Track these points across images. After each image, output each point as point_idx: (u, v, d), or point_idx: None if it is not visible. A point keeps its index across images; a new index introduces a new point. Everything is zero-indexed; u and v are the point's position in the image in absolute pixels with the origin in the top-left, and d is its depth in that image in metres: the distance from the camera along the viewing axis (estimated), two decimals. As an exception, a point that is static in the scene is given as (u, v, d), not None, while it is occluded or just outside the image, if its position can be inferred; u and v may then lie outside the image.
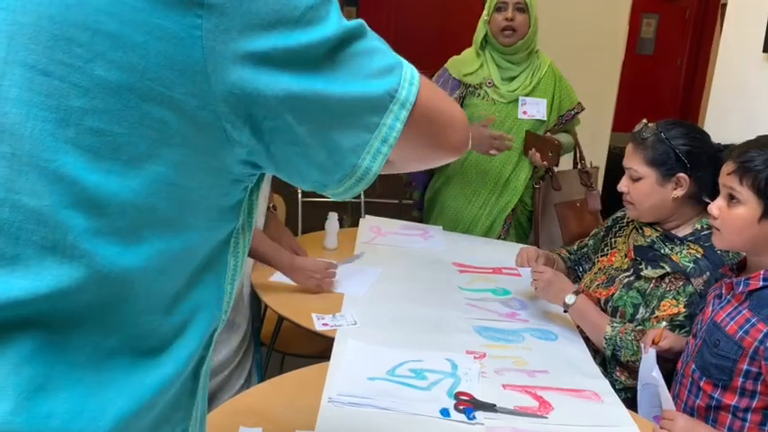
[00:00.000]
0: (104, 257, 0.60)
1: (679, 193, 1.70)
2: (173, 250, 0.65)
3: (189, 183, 0.64)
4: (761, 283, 1.36)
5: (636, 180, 1.74)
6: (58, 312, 0.60)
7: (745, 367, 1.33)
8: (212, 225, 0.69)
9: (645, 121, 1.77)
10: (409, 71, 0.70)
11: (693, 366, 1.44)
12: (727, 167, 1.42)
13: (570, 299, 1.73)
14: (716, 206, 1.44)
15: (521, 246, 2.09)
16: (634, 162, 1.73)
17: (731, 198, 1.40)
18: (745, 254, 1.47)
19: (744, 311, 1.36)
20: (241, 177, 0.69)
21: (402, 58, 0.71)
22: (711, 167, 1.67)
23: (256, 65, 0.62)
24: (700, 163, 1.69)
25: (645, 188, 1.73)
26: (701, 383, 1.41)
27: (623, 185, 1.77)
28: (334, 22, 0.65)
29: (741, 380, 1.34)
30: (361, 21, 0.68)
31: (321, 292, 1.89)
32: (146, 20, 0.59)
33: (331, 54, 0.65)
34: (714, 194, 1.71)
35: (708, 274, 1.61)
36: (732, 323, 1.37)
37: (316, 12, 0.64)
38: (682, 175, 1.69)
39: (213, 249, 0.70)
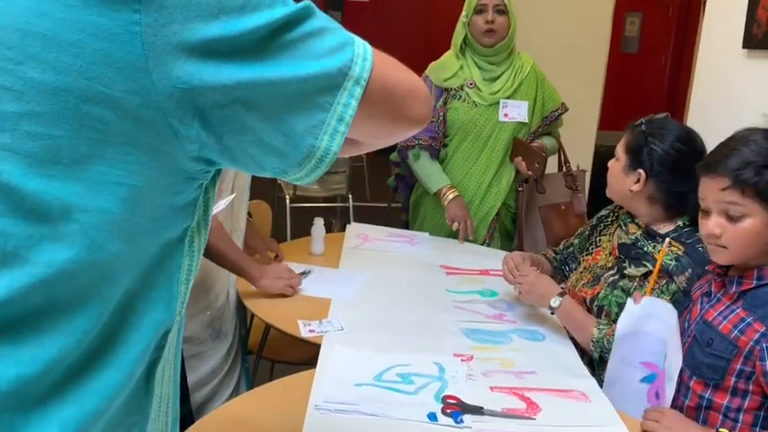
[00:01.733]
0: (49, 264, 0.59)
1: (635, 187, 1.71)
2: (122, 251, 0.63)
3: (137, 182, 0.62)
4: (755, 283, 1.34)
5: (615, 160, 1.79)
6: (5, 322, 0.58)
7: (738, 367, 1.32)
8: (164, 224, 0.67)
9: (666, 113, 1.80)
10: (362, 47, 0.69)
11: (682, 366, 1.43)
12: (719, 183, 1.33)
13: (555, 302, 1.73)
14: (716, 225, 1.35)
15: (506, 253, 2.07)
16: (619, 143, 1.78)
17: (731, 213, 1.33)
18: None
19: (738, 311, 1.34)
20: (194, 175, 0.68)
21: (354, 35, 0.70)
22: (683, 181, 1.62)
23: (201, 57, 0.60)
24: (666, 171, 1.67)
25: (615, 170, 1.78)
26: (691, 383, 1.40)
27: (610, 162, 1.82)
28: (278, 7, 0.64)
29: (734, 379, 1.33)
30: (308, 2, 0.67)
31: (291, 294, 1.89)
32: (79, 17, 0.57)
33: (277, 38, 0.63)
34: (682, 207, 1.68)
35: (690, 271, 1.61)
36: (726, 322, 1.35)
37: None
38: (641, 171, 1.70)
39: (165, 248, 0.68)
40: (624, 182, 1.74)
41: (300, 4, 0.66)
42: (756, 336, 1.29)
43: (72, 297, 0.61)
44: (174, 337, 0.74)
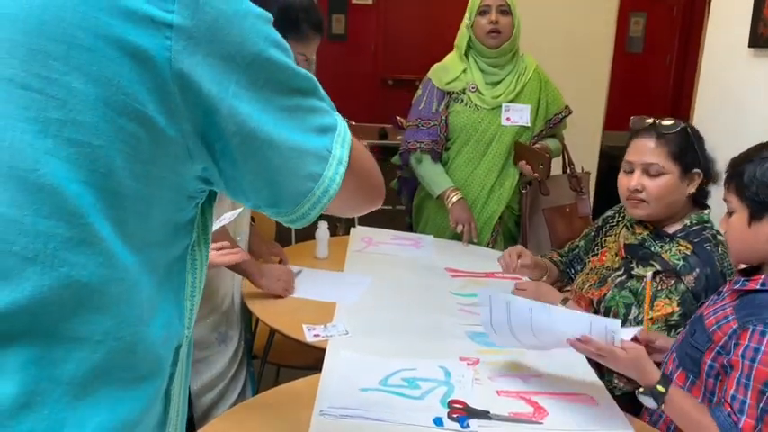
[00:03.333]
0: (84, 267, 0.61)
1: (692, 189, 1.69)
2: (139, 263, 0.66)
3: (154, 198, 0.67)
4: (757, 287, 1.33)
5: (656, 176, 1.67)
6: (41, 325, 0.60)
7: (708, 361, 1.32)
8: (169, 240, 0.71)
9: (644, 117, 1.75)
10: (343, 131, 0.76)
11: (674, 356, 1.45)
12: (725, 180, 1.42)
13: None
14: (722, 221, 1.43)
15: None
16: (656, 156, 1.66)
17: (729, 210, 1.39)
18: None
19: (727, 308, 1.35)
20: (194, 194, 0.72)
21: (339, 118, 0.77)
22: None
23: (219, 91, 0.65)
24: (704, 159, 1.69)
25: (667, 184, 1.66)
26: (677, 374, 1.41)
27: (637, 183, 1.68)
28: (295, 65, 0.71)
29: (705, 376, 1.33)
30: (314, 78, 0.74)
31: (286, 295, 1.90)
32: (118, 36, 0.61)
33: (288, 94, 0.70)
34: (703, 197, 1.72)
35: (698, 270, 1.60)
36: (712, 317, 1.36)
37: (279, 48, 0.70)
38: (697, 171, 1.68)
39: (171, 265, 0.72)
40: (682, 190, 1.68)
41: (311, 76, 0.73)
42: (729, 331, 1.30)
43: (102, 304, 0.64)
44: (185, 352, 0.77)
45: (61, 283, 0.60)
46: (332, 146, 0.74)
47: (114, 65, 0.60)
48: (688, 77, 6.74)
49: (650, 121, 1.72)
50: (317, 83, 0.75)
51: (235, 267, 1.82)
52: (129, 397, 0.66)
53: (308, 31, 1.71)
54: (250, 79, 0.67)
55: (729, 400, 1.24)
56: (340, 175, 0.74)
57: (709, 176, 1.70)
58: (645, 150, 1.69)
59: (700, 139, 1.71)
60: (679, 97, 7.11)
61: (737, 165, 1.37)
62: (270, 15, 0.71)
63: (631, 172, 1.71)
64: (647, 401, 1.33)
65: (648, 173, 1.68)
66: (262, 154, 0.69)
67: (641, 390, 1.34)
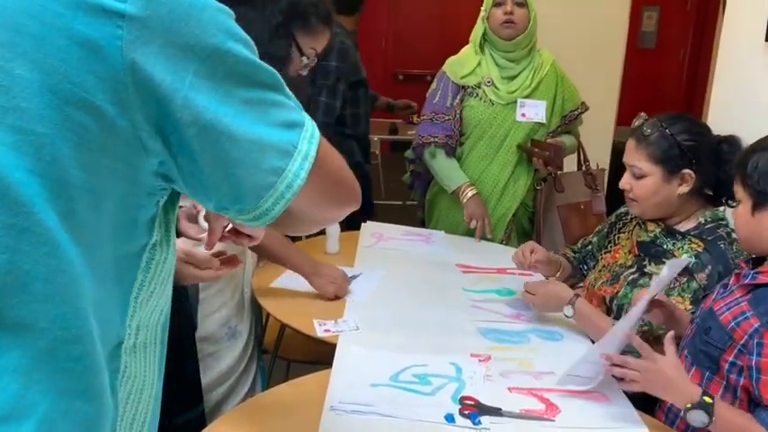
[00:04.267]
0: (29, 255, 0.61)
1: (684, 189, 1.67)
2: (84, 255, 0.65)
3: (105, 190, 0.65)
4: None
5: (639, 177, 1.69)
6: None
7: (731, 359, 1.31)
8: (125, 236, 0.70)
9: (643, 115, 1.74)
10: (311, 128, 0.74)
11: (686, 353, 1.43)
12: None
13: (568, 310, 1.70)
14: (733, 211, 1.45)
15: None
16: (637, 159, 1.69)
17: (737, 200, 1.40)
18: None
19: (742, 303, 1.34)
20: (153, 190, 0.70)
21: (306, 116, 0.75)
22: (713, 160, 1.66)
23: (173, 81, 0.64)
24: (703, 157, 1.66)
25: (649, 185, 1.68)
26: (692, 371, 1.39)
27: (625, 183, 1.73)
28: (259, 60, 0.70)
29: (726, 373, 1.32)
30: (279, 75, 0.73)
31: (337, 299, 1.88)
32: (66, 25, 0.60)
33: (250, 86, 0.69)
34: (718, 188, 1.69)
35: (710, 267, 1.59)
36: (727, 313, 1.34)
37: (241, 42, 0.69)
38: (687, 171, 1.65)
39: (121, 261, 0.70)
40: (668, 190, 1.67)
41: (274, 72, 0.72)
42: (750, 330, 1.28)
43: (46, 292, 0.63)
44: (142, 351, 0.76)
45: (3, 269, 0.60)
46: (298, 141, 0.72)
47: (61, 53, 0.60)
48: (701, 73, 6.68)
49: (638, 121, 1.74)
50: (282, 80, 0.73)
51: (282, 261, 1.82)
52: (76, 387, 0.65)
53: (318, 24, 1.70)
54: (209, 71, 0.66)
55: None
56: (305, 170, 0.72)
57: (713, 174, 1.68)
58: (629, 152, 1.73)
59: (694, 139, 1.66)
60: (692, 93, 7.04)
61: (744, 156, 1.38)
62: (230, 11, 0.70)
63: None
64: (697, 418, 1.23)
65: (634, 174, 1.71)
66: (220, 146, 0.68)
67: (688, 406, 1.25)
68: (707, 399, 1.24)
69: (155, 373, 0.80)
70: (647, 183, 1.69)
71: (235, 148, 0.68)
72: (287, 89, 0.74)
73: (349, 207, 0.84)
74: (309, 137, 0.73)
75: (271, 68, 0.72)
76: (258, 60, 0.70)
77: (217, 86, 0.66)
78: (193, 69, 0.65)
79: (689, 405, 1.25)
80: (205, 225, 1.24)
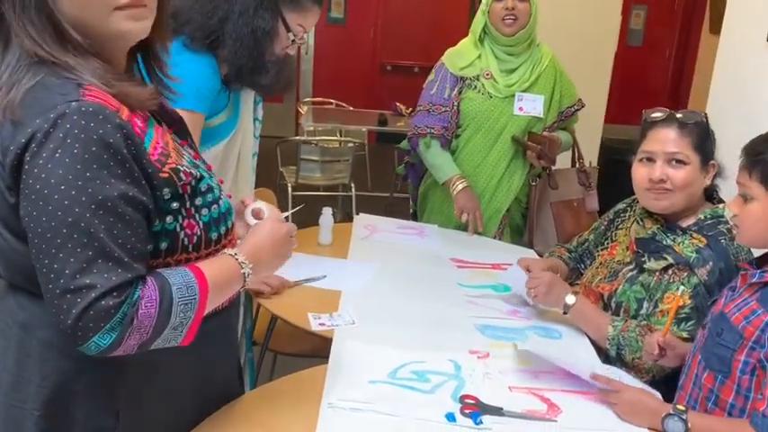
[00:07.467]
0: None
1: (708, 181, 1.66)
2: None
3: None
4: None
5: (679, 166, 1.63)
6: None
7: (743, 358, 1.30)
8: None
9: (662, 109, 1.71)
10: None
11: (699, 358, 1.41)
12: (741, 162, 1.38)
13: (570, 299, 1.68)
14: (734, 203, 1.40)
15: (517, 247, 2.02)
16: (679, 146, 1.62)
17: (746, 194, 1.37)
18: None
19: (751, 303, 1.32)
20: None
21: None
22: None
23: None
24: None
25: (688, 174, 1.63)
26: (704, 376, 1.38)
27: (662, 173, 1.63)
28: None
29: (738, 374, 1.30)
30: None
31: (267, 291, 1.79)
32: None
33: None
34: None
35: (711, 263, 1.57)
36: (738, 314, 1.33)
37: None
38: (713, 161, 1.65)
39: None
40: (700, 181, 1.65)
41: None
42: (762, 324, 1.27)
43: None
44: None
45: None
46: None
47: None
48: (687, 71, 6.72)
49: (659, 115, 1.68)
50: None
51: None
52: None
53: (307, 1, 1.66)
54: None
55: None
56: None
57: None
58: (667, 140, 1.64)
59: (712, 131, 1.68)
60: (677, 92, 7.09)
61: (761, 150, 1.34)
62: None
63: (650, 162, 1.67)
64: (674, 427, 1.28)
65: (672, 163, 1.64)
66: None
67: (664, 415, 1.29)
68: (679, 407, 1.30)
69: None
70: (687, 171, 1.63)
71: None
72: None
73: None
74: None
75: None
76: None
77: None
78: None
79: (664, 415, 1.29)
80: (252, 221, 1.24)
